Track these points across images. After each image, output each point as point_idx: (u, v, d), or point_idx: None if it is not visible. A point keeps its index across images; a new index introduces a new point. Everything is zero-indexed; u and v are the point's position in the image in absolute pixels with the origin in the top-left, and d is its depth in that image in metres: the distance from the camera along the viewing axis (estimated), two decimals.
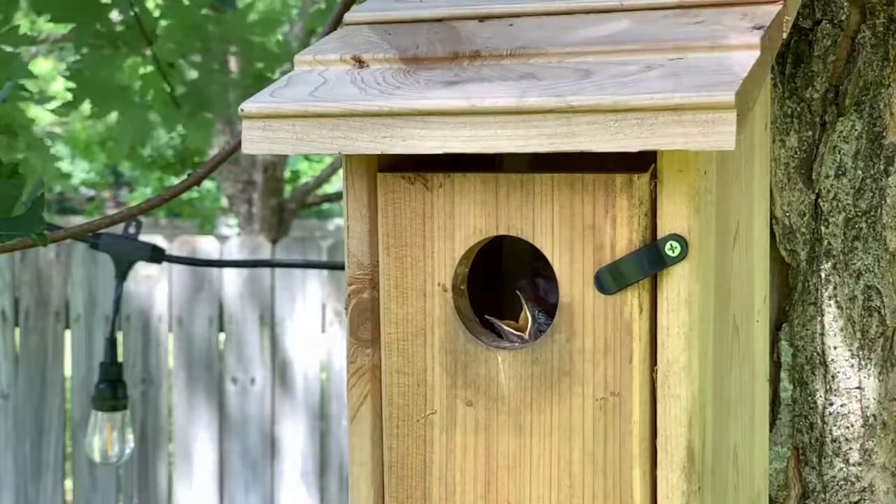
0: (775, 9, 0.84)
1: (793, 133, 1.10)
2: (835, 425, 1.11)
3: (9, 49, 2.01)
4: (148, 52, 2.35)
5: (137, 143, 2.46)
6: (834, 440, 1.11)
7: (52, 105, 2.46)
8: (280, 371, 3.47)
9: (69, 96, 2.35)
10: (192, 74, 2.55)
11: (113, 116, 2.42)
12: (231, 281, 3.47)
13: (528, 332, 0.87)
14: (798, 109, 1.10)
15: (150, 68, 2.40)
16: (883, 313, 1.09)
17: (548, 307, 0.88)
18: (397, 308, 0.86)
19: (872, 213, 1.08)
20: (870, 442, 1.10)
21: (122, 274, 1.81)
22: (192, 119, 2.44)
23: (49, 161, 2.34)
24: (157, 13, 2.37)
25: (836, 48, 1.08)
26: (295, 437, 3.48)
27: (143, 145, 2.46)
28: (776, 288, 1.12)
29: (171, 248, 3.43)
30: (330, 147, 0.81)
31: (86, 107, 2.35)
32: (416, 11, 0.94)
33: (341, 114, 0.80)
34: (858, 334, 1.09)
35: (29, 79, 2.00)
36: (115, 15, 2.39)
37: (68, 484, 3.62)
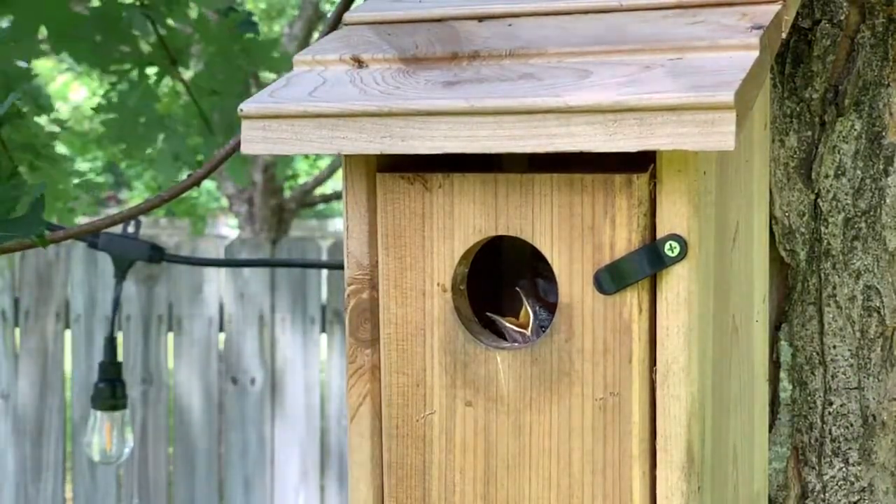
0: (774, 9, 0.84)
1: (792, 133, 1.10)
2: (834, 425, 1.11)
3: (23, 64, 2.01)
4: (180, 80, 2.34)
5: (177, 167, 2.46)
6: (833, 440, 1.11)
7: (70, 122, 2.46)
8: (280, 371, 3.47)
9: (88, 108, 2.35)
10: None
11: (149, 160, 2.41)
12: (231, 281, 3.47)
13: (529, 329, 0.87)
14: (797, 109, 1.10)
15: (185, 97, 2.40)
16: (882, 313, 1.09)
17: (548, 307, 0.88)
18: (396, 308, 0.86)
19: (872, 213, 1.08)
20: (869, 442, 1.10)
21: (121, 274, 1.80)
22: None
23: (67, 177, 2.33)
24: (176, 29, 2.36)
25: (836, 48, 1.08)
26: (294, 436, 3.48)
27: (188, 167, 2.46)
28: (776, 288, 1.12)
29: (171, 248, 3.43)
30: (329, 147, 0.81)
31: (79, 88, 2.35)
32: (415, 11, 0.94)
33: (340, 114, 0.80)
34: (858, 334, 1.09)
35: (39, 96, 2.00)
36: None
37: (68, 484, 3.62)
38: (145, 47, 2.31)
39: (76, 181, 2.35)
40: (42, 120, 2.37)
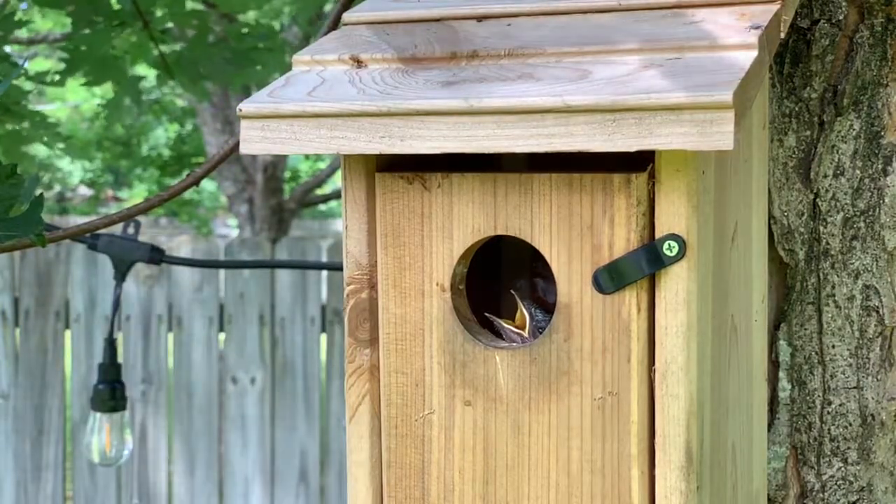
0: (773, 8, 0.84)
1: (791, 133, 1.10)
2: (833, 425, 1.11)
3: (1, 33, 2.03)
4: (151, 39, 2.37)
5: (132, 114, 2.49)
6: (832, 439, 1.11)
7: (47, 78, 2.47)
8: (280, 371, 3.47)
9: (62, 67, 2.36)
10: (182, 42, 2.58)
11: (101, 106, 2.44)
12: (231, 281, 3.47)
13: (526, 330, 0.87)
14: (796, 109, 1.10)
15: (140, 34, 2.43)
16: (881, 313, 1.09)
17: (546, 307, 0.88)
18: (395, 308, 0.86)
19: (871, 213, 1.08)
20: (868, 441, 1.10)
21: (121, 275, 1.80)
22: (186, 83, 2.46)
23: (48, 134, 2.34)
24: None
25: (835, 48, 1.08)
26: (294, 436, 3.48)
27: (142, 112, 2.48)
28: (774, 287, 1.12)
29: (171, 248, 3.43)
30: (328, 147, 0.81)
31: (78, 89, 2.37)
32: (414, 11, 0.94)
33: (339, 114, 0.80)
34: (857, 334, 1.09)
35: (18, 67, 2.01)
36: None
37: (68, 484, 3.62)
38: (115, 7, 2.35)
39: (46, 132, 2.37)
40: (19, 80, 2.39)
